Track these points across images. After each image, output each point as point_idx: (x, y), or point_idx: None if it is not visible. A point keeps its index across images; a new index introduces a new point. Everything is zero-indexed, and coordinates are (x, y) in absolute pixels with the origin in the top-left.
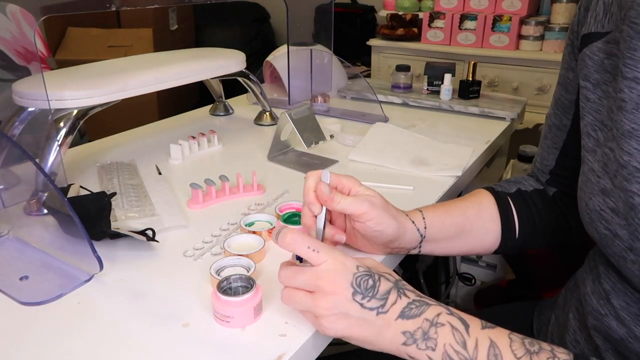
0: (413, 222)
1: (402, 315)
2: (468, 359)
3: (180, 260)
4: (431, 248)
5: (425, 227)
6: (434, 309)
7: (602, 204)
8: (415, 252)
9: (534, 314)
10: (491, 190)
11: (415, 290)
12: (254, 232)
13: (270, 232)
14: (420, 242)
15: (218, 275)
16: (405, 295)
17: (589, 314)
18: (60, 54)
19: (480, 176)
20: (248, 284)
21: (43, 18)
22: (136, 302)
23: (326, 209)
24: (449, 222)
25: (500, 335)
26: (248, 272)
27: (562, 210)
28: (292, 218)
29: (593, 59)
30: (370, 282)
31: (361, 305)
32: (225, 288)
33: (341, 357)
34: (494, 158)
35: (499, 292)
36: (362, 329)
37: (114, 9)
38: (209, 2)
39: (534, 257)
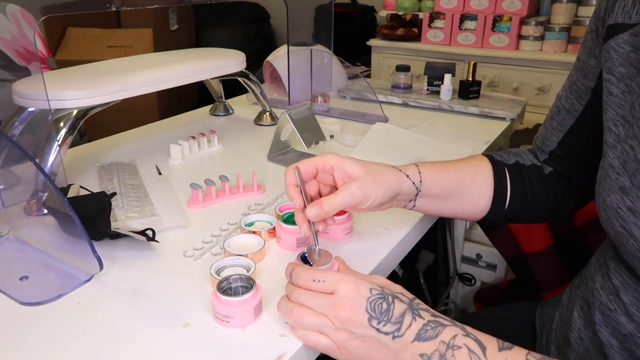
0: (407, 175)
1: (418, 337)
2: None
3: (180, 261)
4: (425, 203)
5: (420, 181)
6: (450, 330)
7: (619, 202)
8: (410, 206)
9: (536, 313)
10: (490, 158)
11: (429, 309)
12: (254, 232)
13: (270, 232)
14: (416, 196)
15: (218, 275)
16: (420, 316)
17: (596, 309)
18: (60, 54)
19: None
20: (248, 284)
21: (43, 18)
22: (136, 302)
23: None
24: (445, 180)
25: (518, 356)
26: (248, 272)
27: (555, 189)
28: (292, 218)
29: (618, 51)
30: (385, 305)
31: (377, 330)
32: (225, 288)
33: None
34: None
35: (499, 292)
36: (379, 353)
37: (114, 9)
38: (209, 2)
39: (534, 258)
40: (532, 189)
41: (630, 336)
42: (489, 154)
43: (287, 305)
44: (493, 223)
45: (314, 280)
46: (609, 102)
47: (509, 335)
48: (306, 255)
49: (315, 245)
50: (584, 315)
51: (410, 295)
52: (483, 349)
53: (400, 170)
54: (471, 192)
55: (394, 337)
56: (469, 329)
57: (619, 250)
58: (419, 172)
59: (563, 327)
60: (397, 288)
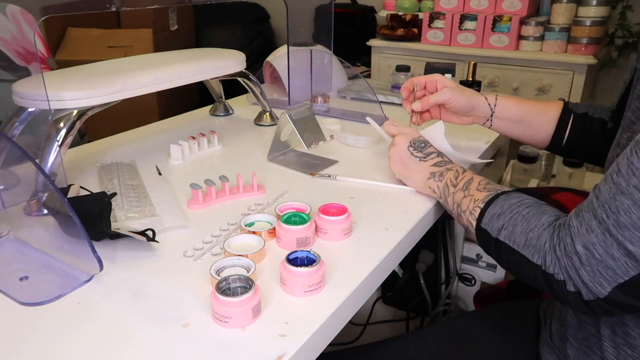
0: (486, 98)
1: (435, 165)
2: (454, 184)
3: (180, 261)
4: (498, 125)
5: (495, 104)
6: (453, 165)
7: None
8: (488, 124)
9: (540, 307)
10: (564, 103)
11: (450, 160)
12: (253, 233)
13: (270, 233)
14: (491, 116)
15: (218, 275)
16: (441, 157)
17: None
18: (60, 54)
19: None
20: (247, 284)
21: (43, 18)
22: (136, 303)
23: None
24: (515, 109)
25: (478, 177)
26: (248, 272)
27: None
28: (292, 218)
29: None
30: (422, 145)
31: (411, 153)
32: (224, 288)
33: (348, 354)
34: (494, 158)
35: (499, 292)
36: (405, 167)
37: (114, 9)
38: (209, 2)
39: None
40: (590, 136)
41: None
42: (566, 101)
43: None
44: (556, 151)
45: (392, 125)
46: None
47: (512, 327)
48: (294, 255)
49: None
50: None
51: (442, 153)
52: (464, 171)
53: (482, 95)
54: (534, 124)
55: (419, 160)
56: (467, 170)
57: None
58: (496, 99)
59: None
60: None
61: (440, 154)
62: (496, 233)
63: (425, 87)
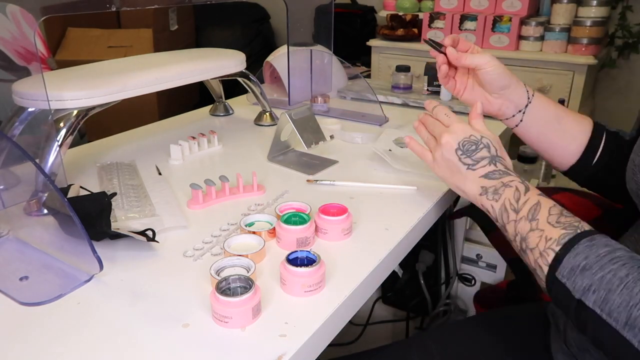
0: (525, 85)
1: (486, 176)
2: (516, 209)
3: (180, 261)
4: (531, 120)
5: (532, 95)
6: (512, 178)
7: None
8: (519, 117)
9: (547, 308)
10: (595, 121)
11: (506, 163)
12: (253, 233)
13: (270, 233)
14: (526, 106)
15: (218, 275)
16: (495, 165)
17: None
18: (60, 54)
19: None
20: (247, 284)
21: (43, 18)
22: (136, 303)
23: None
24: (552, 109)
25: (546, 201)
26: (248, 272)
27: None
28: (292, 218)
29: None
30: (472, 147)
31: (459, 158)
32: (224, 288)
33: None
34: None
35: (499, 293)
36: (455, 176)
37: (114, 9)
38: (209, 2)
39: None
40: (622, 158)
41: None
42: (595, 120)
43: (418, 123)
44: (579, 175)
45: (445, 114)
46: None
47: (518, 332)
48: (294, 255)
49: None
50: None
51: (503, 155)
52: (527, 190)
53: (522, 82)
54: (568, 132)
55: (467, 168)
56: (527, 183)
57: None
58: (534, 92)
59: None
60: (498, 146)
61: (495, 159)
62: (580, 293)
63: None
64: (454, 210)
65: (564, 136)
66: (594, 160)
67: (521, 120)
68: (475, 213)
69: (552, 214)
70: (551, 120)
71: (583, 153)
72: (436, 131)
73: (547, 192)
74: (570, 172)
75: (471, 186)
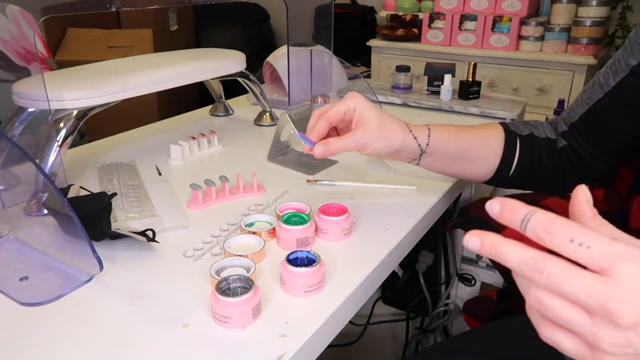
0: (415, 138)
1: None
2: None
3: (180, 261)
4: (429, 162)
5: (427, 144)
6: None
7: None
8: (414, 163)
9: None
10: (505, 127)
11: None
12: (253, 233)
13: (270, 233)
14: (420, 156)
15: (218, 275)
16: None
17: None
18: (60, 55)
19: None
20: (247, 284)
21: (43, 18)
22: (136, 303)
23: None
24: (453, 145)
25: None
26: (248, 272)
27: (563, 164)
28: (292, 218)
29: None
30: None
31: None
32: (224, 289)
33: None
34: None
35: (488, 303)
36: None
37: (114, 9)
38: (209, 2)
39: None
40: (539, 161)
41: None
42: (505, 122)
43: (533, 313)
44: (498, 184)
45: (571, 241)
46: None
47: (525, 343)
48: (294, 256)
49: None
50: None
51: None
52: None
53: (411, 132)
54: (476, 160)
55: None
56: None
57: None
58: (428, 136)
59: None
60: None
61: None
62: None
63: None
64: (447, 223)
65: (473, 163)
66: (510, 173)
67: (418, 164)
68: (467, 225)
69: None
70: (454, 156)
71: (497, 170)
72: (582, 295)
73: (538, 197)
74: (488, 183)
75: None
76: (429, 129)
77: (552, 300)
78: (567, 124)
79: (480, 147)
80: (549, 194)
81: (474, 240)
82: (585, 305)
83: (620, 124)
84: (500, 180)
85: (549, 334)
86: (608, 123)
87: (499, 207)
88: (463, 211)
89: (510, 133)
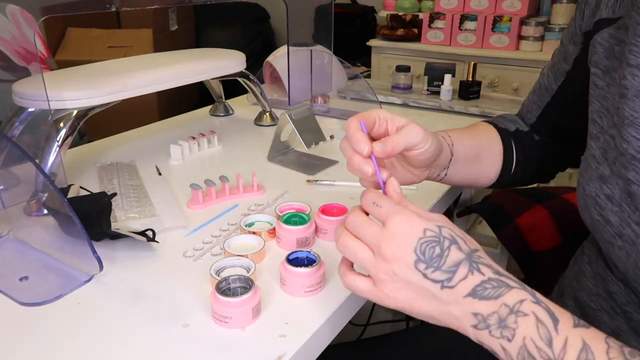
0: (443, 137)
1: (474, 294)
2: (550, 356)
3: (180, 261)
4: (454, 171)
5: (452, 144)
6: (516, 294)
7: (598, 190)
8: (442, 175)
9: None
10: (495, 126)
11: (493, 265)
12: (253, 233)
13: (270, 233)
14: (450, 161)
15: (218, 275)
16: (479, 271)
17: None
18: (60, 55)
19: None
20: (247, 284)
21: (43, 18)
22: (136, 303)
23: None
24: (469, 144)
25: (596, 338)
26: (248, 272)
27: (543, 154)
28: (292, 218)
29: (603, 45)
30: (438, 250)
31: (424, 275)
32: (224, 289)
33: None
34: None
35: None
36: (425, 303)
37: (114, 9)
38: (209, 2)
39: (542, 256)
40: (529, 154)
41: (613, 333)
42: (491, 121)
43: (340, 230)
44: (498, 188)
45: (373, 203)
46: (594, 95)
47: None
48: (294, 256)
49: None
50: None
51: (474, 245)
52: (555, 321)
53: (439, 135)
54: (487, 158)
55: (442, 287)
56: (539, 295)
57: (595, 238)
58: (449, 136)
59: None
60: (460, 233)
61: (472, 256)
62: None
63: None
64: (465, 208)
65: (483, 167)
66: (512, 171)
67: (446, 175)
68: (484, 209)
69: (612, 357)
70: (471, 160)
71: (501, 171)
72: (368, 237)
73: (561, 191)
74: (495, 186)
75: (457, 316)
76: (444, 131)
77: (352, 241)
78: (528, 124)
79: (488, 145)
80: (537, 183)
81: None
82: (371, 246)
83: (571, 123)
84: (504, 180)
85: (349, 280)
86: (562, 123)
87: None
88: (485, 198)
89: (502, 131)
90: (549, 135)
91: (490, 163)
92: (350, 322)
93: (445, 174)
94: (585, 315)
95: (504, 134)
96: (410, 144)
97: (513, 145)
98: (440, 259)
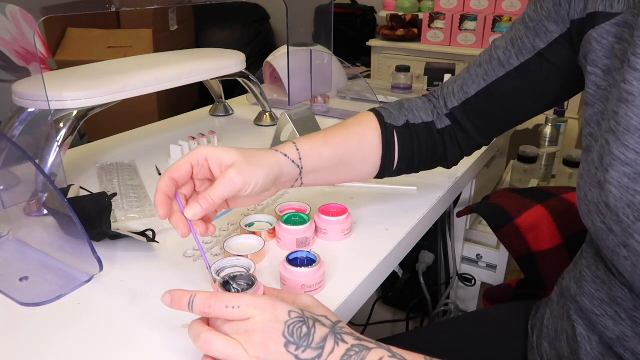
0: (286, 155)
1: None
2: None
3: (180, 261)
4: (313, 179)
5: (300, 158)
6: (376, 354)
7: (598, 197)
8: (298, 185)
9: (531, 313)
10: (380, 119)
11: (354, 333)
12: (253, 233)
13: (270, 233)
14: (300, 174)
15: (218, 275)
16: (344, 340)
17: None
18: (60, 55)
19: (480, 177)
20: (250, 281)
21: (43, 18)
22: (136, 303)
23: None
24: (327, 153)
25: None
26: (248, 272)
27: (444, 143)
28: (292, 219)
29: (601, 42)
30: (305, 329)
31: (296, 357)
32: (226, 282)
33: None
34: (494, 159)
35: (508, 291)
36: None
37: (114, 9)
38: (209, 2)
39: (542, 256)
40: (419, 147)
41: (618, 340)
42: (378, 111)
43: (196, 327)
44: (383, 177)
45: (226, 307)
46: (596, 96)
47: (500, 333)
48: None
49: (205, 261)
50: (566, 306)
51: (334, 318)
52: None
53: (278, 151)
54: (356, 162)
55: None
56: (395, 349)
57: (599, 246)
58: (297, 150)
59: (554, 322)
60: (322, 310)
61: (335, 329)
62: None
63: (192, 177)
64: (464, 208)
65: (353, 167)
66: (394, 167)
67: (302, 184)
68: (484, 209)
69: None
70: (333, 167)
71: (381, 167)
72: (232, 330)
73: (560, 191)
74: (376, 178)
75: None
76: (294, 143)
77: (216, 337)
78: (460, 99)
79: (357, 148)
80: (554, 223)
81: (166, 297)
82: (237, 339)
83: (518, 103)
84: (386, 174)
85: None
86: (505, 102)
87: (169, 299)
88: (484, 199)
89: (386, 126)
90: (480, 116)
91: (362, 165)
92: (350, 322)
93: (301, 184)
94: (589, 321)
95: (387, 130)
96: (229, 194)
97: (396, 142)
98: (308, 338)
